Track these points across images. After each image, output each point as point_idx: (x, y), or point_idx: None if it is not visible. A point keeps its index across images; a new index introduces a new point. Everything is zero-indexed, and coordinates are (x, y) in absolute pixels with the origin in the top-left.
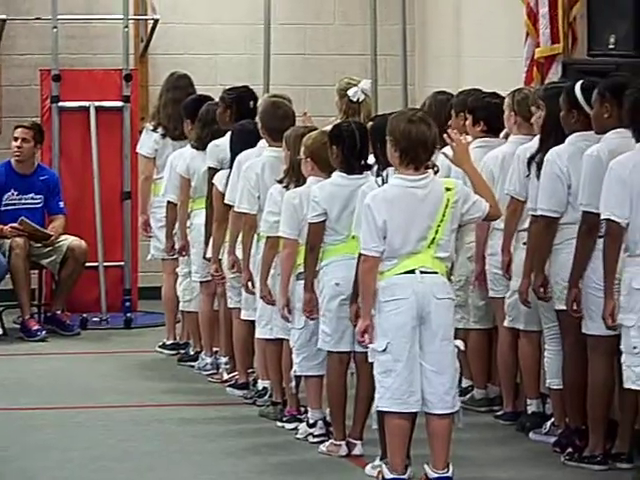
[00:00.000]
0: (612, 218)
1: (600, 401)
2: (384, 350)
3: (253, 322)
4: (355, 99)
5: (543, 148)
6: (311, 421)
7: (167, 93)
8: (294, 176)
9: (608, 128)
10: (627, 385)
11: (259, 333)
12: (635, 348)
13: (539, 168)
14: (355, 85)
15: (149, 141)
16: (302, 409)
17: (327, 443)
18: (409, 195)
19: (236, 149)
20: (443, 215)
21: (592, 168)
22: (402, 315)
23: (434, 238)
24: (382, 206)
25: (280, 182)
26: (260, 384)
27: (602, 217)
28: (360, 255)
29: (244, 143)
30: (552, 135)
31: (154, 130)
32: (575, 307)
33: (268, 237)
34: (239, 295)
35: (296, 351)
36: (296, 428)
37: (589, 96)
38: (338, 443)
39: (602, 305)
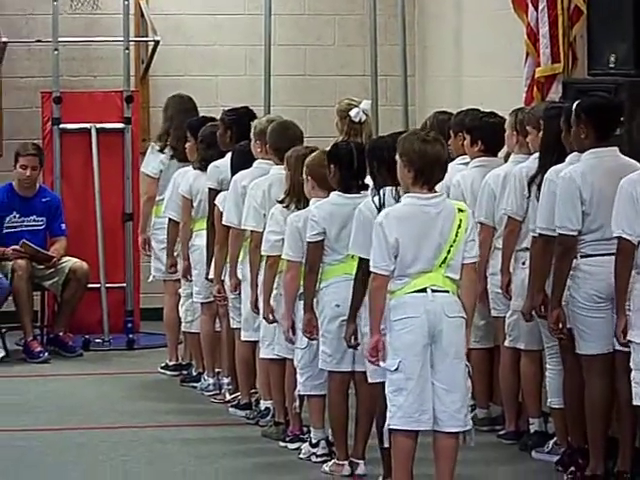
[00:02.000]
0: (623, 236)
1: (598, 420)
2: (396, 369)
3: (255, 342)
4: (357, 119)
5: (542, 168)
6: (314, 441)
7: (179, 115)
8: (295, 196)
9: (586, 148)
10: (635, 402)
11: (262, 353)
12: None
13: (539, 189)
14: (356, 106)
15: (155, 161)
16: (305, 429)
17: (330, 463)
18: (421, 213)
19: (237, 170)
20: (456, 235)
21: (565, 189)
22: (413, 334)
23: (445, 258)
24: (394, 224)
25: (281, 202)
26: (262, 404)
27: (614, 234)
28: (365, 273)
29: (244, 164)
30: (549, 155)
31: (161, 151)
32: (561, 327)
33: (268, 256)
34: (241, 316)
35: (300, 371)
36: (299, 448)
37: None
38: (341, 463)
39: (591, 324)
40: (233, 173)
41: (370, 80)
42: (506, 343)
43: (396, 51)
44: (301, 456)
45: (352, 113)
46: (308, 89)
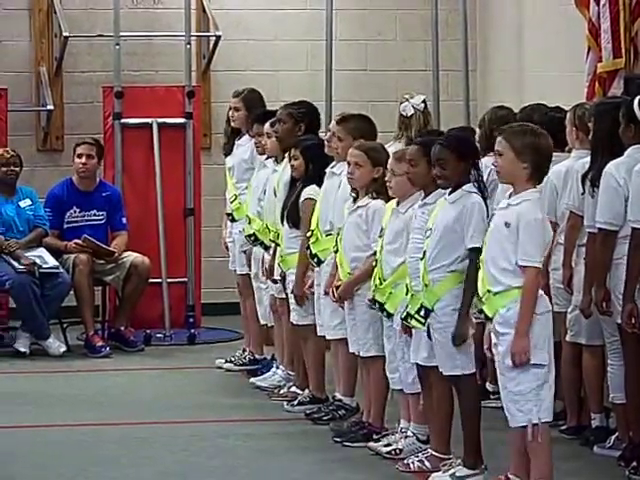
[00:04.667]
0: None
1: None
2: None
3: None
4: (404, 113)
5: (594, 164)
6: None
7: None
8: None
9: None
10: None
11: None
12: None
13: (592, 185)
14: (407, 100)
15: None
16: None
17: (427, 454)
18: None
19: (325, 165)
20: None
21: (639, 183)
22: (550, 325)
23: None
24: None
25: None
26: (351, 401)
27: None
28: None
29: (324, 157)
30: (601, 151)
31: None
32: (633, 321)
33: None
34: (307, 311)
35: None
36: (372, 445)
37: None
38: (440, 456)
39: None
40: (322, 168)
41: (431, 75)
42: (568, 338)
43: (457, 46)
44: (384, 449)
45: (401, 107)
46: (369, 84)
